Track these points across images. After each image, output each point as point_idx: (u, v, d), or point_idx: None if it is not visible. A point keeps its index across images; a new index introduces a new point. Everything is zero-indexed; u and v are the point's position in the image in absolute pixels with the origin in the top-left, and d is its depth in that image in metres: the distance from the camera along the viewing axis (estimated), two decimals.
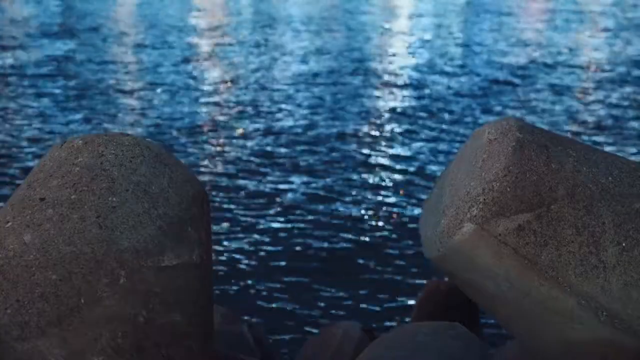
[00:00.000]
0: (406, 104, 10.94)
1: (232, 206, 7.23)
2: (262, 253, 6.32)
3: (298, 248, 6.40)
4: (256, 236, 6.62)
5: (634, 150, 9.02)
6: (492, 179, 1.80)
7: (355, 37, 16.05)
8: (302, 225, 6.84)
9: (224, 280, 5.86)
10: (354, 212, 7.13)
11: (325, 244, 6.47)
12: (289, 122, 9.92)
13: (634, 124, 9.99)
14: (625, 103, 10.96)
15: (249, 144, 9.05)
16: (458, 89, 11.73)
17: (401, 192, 7.64)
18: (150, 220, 1.78)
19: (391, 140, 9.28)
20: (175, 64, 13.27)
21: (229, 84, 12.02)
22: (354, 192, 7.59)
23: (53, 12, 18.04)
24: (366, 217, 7.03)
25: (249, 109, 10.58)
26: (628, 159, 2.03)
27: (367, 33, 16.60)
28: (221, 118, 10.15)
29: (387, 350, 2.22)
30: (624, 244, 1.80)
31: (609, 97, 11.32)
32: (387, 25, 17.68)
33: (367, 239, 6.58)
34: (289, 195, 7.49)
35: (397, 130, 9.69)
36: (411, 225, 6.83)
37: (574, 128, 9.84)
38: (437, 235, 1.91)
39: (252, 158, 8.55)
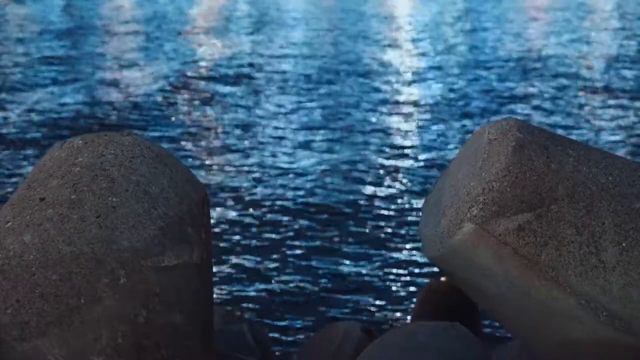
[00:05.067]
0: (408, 104, 10.95)
1: (232, 206, 7.24)
2: (262, 253, 6.33)
3: (298, 248, 6.41)
4: (256, 236, 6.63)
5: (634, 150, 9.02)
6: (492, 179, 1.81)
7: (355, 34, 16.05)
8: (302, 225, 6.84)
9: (224, 280, 5.86)
10: (354, 211, 7.14)
11: (326, 244, 6.48)
12: (290, 122, 9.92)
13: (635, 123, 9.99)
14: (628, 102, 10.97)
15: (250, 143, 9.06)
16: (458, 90, 11.74)
17: (401, 192, 7.64)
18: (150, 220, 1.78)
19: (392, 140, 9.28)
20: (174, 62, 13.28)
21: (229, 83, 12.02)
22: (354, 192, 7.59)
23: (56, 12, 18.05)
24: (366, 216, 7.03)
25: (250, 108, 10.58)
26: (628, 159, 2.03)
27: (368, 31, 16.60)
28: (221, 118, 10.15)
29: (387, 350, 2.22)
30: (624, 244, 1.80)
31: (610, 96, 11.32)
32: (387, 26, 17.69)
33: (367, 238, 6.58)
34: (290, 195, 7.50)
35: (397, 131, 9.70)
36: (411, 225, 6.83)
37: (574, 128, 9.84)
38: (437, 235, 1.91)
39: (252, 158, 8.55)
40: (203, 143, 9.10)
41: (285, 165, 8.31)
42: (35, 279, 1.62)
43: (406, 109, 10.67)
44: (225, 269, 6.06)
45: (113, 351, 1.67)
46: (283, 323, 5.35)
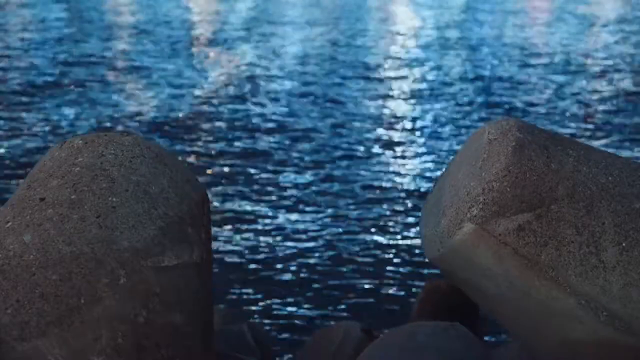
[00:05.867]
0: (407, 102, 10.95)
1: (233, 205, 7.24)
2: (262, 253, 6.33)
3: (298, 248, 6.41)
4: (256, 236, 6.63)
5: (634, 150, 9.02)
6: (492, 179, 1.80)
7: (354, 32, 16.05)
8: (302, 224, 6.84)
9: (224, 280, 5.86)
10: (354, 211, 7.13)
11: (326, 244, 6.48)
12: (290, 122, 9.92)
13: (634, 123, 9.99)
14: (626, 102, 10.96)
15: (250, 143, 9.05)
16: (457, 89, 11.74)
17: (401, 191, 7.64)
18: (150, 220, 1.78)
19: (392, 141, 9.28)
20: (173, 62, 13.28)
21: (230, 82, 12.02)
22: (354, 192, 7.59)
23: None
24: (366, 216, 7.03)
25: (250, 108, 10.58)
26: (628, 159, 2.03)
27: (365, 29, 16.60)
28: (222, 117, 10.15)
29: (387, 350, 2.22)
30: (624, 244, 1.80)
31: (610, 96, 11.32)
32: (386, 28, 17.69)
33: (367, 238, 6.58)
34: (290, 195, 7.50)
35: (396, 130, 9.70)
36: (411, 225, 6.83)
37: (574, 128, 9.84)
38: (437, 235, 1.91)
39: (252, 158, 8.55)
40: (202, 144, 9.10)
41: (285, 165, 8.31)
42: (35, 279, 1.62)
43: (405, 108, 10.67)
44: (226, 268, 6.06)
45: (113, 351, 1.67)
46: (283, 323, 5.35)
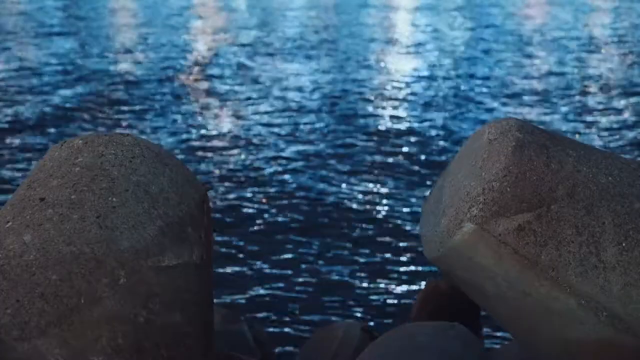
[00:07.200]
0: (407, 101, 10.95)
1: (233, 206, 7.24)
2: (262, 253, 6.33)
3: (298, 248, 6.41)
4: (256, 236, 6.63)
5: (633, 150, 9.02)
6: (492, 179, 1.80)
7: (351, 33, 16.05)
8: (302, 225, 6.84)
9: (224, 280, 5.86)
10: (355, 212, 7.14)
11: (326, 244, 6.48)
12: (290, 123, 9.92)
13: (634, 123, 9.99)
14: (627, 102, 10.97)
15: (249, 144, 9.05)
16: (457, 91, 11.74)
17: (401, 191, 7.64)
18: (150, 220, 1.78)
19: (392, 143, 9.28)
20: (174, 64, 13.28)
21: (230, 82, 12.02)
22: (355, 193, 7.59)
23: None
24: (366, 217, 7.03)
25: (249, 108, 10.58)
26: (628, 159, 2.03)
27: (365, 31, 16.60)
28: (221, 118, 10.15)
29: (387, 350, 2.22)
30: (624, 244, 1.80)
31: (610, 96, 11.32)
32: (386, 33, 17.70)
33: (367, 239, 6.58)
34: (290, 195, 7.50)
35: (397, 130, 9.70)
36: (411, 225, 6.83)
37: (574, 128, 9.85)
38: (437, 235, 1.91)
39: (252, 158, 8.55)
40: (202, 148, 9.10)
41: (284, 165, 8.32)
42: (35, 279, 1.62)
43: (405, 107, 10.68)
44: (226, 268, 6.06)
45: (113, 351, 1.67)
46: (283, 323, 5.35)
